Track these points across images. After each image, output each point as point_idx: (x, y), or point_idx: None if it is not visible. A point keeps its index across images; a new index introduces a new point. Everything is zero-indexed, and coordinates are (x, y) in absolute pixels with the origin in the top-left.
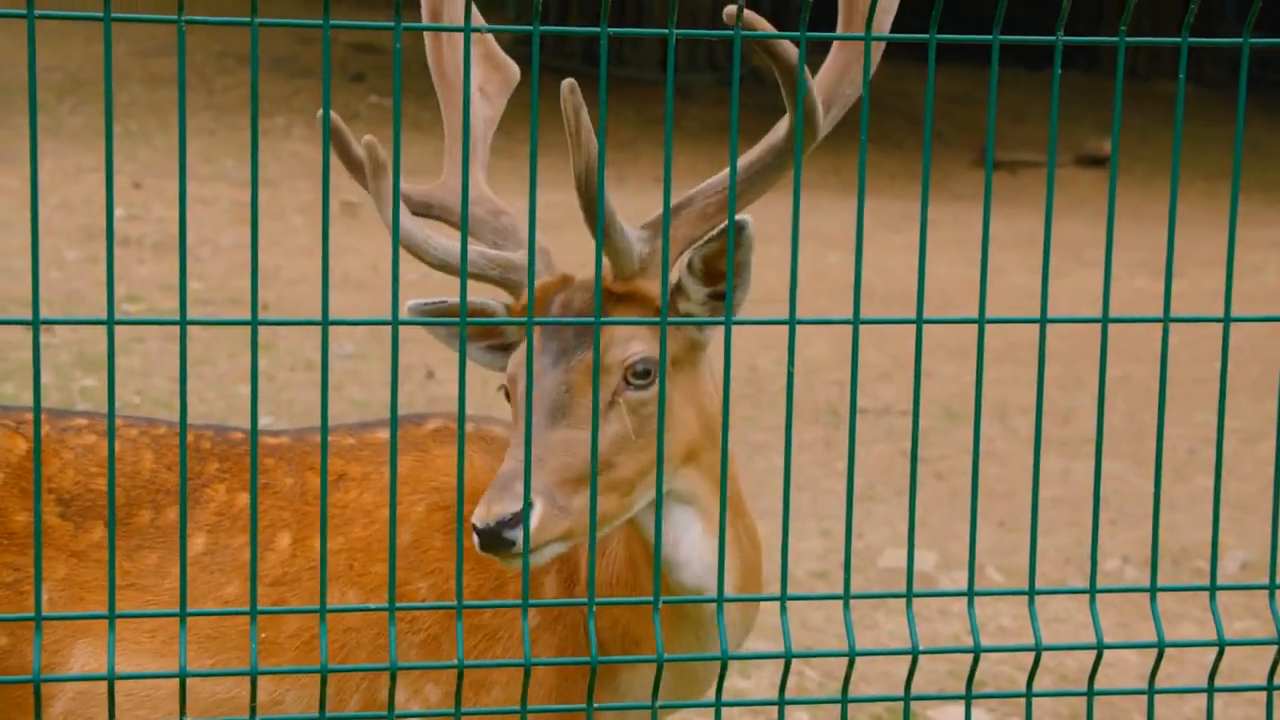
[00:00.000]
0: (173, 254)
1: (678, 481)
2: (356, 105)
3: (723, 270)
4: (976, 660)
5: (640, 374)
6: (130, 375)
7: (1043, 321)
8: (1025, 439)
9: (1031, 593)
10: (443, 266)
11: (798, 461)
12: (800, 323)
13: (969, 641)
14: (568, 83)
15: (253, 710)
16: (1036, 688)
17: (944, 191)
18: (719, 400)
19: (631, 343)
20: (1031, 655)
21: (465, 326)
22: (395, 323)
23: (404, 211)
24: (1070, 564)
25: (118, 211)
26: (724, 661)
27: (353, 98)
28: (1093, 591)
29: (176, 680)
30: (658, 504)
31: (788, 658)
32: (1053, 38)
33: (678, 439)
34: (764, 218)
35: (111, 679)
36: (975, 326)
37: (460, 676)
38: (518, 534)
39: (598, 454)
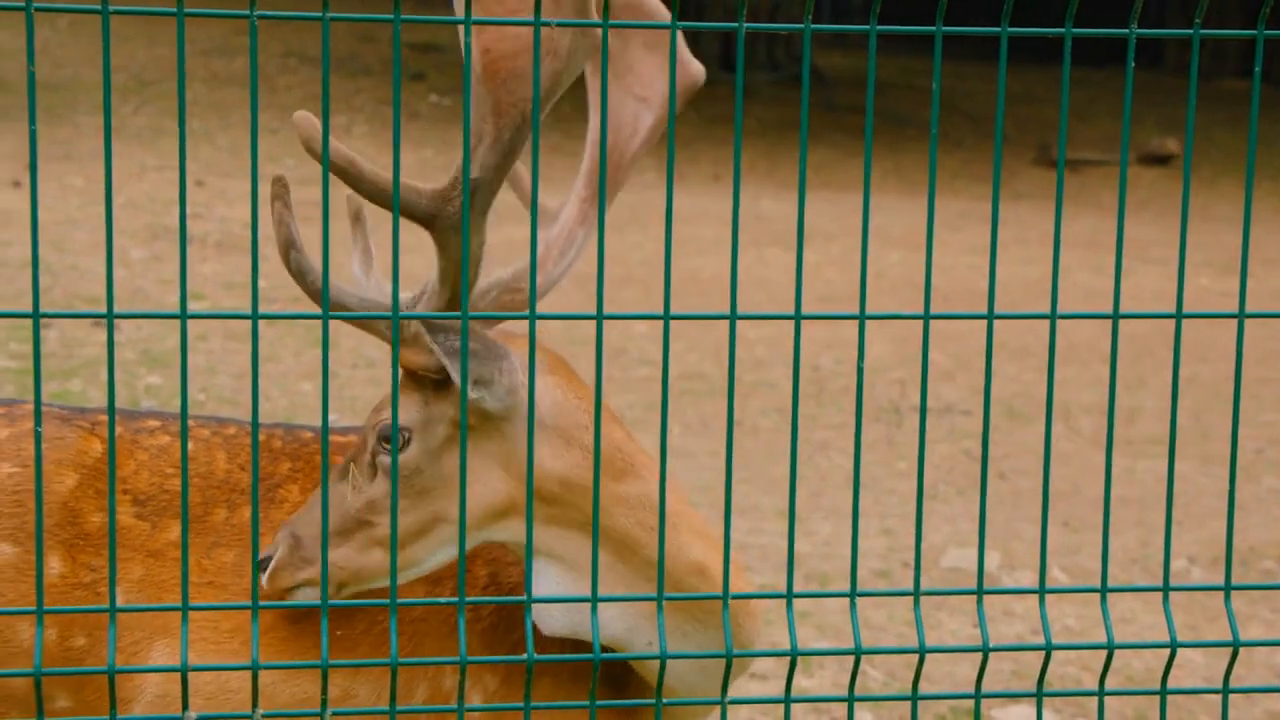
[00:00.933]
0: (235, 252)
1: (520, 537)
2: (417, 105)
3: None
4: (1048, 658)
5: (388, 439)
6: (195, 373)
7: (1115, 317)
8: (1088, 438)
9: (1104, 590)
10: (320, 301)
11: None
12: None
13: (1033, 642)
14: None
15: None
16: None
17: (1005, 190)
18: (566, 467)
19: (384, 410)
20: (1098, 656)
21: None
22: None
23: (311, 265)
24: (1135, 564)
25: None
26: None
27: (413, 97)
28: (1166, 589)
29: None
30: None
31: (857, 654)
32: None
33: (475, 500)
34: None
35: (185, 670)
36: (1036, 327)
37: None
38: (261, 577)
39: (395, 510)
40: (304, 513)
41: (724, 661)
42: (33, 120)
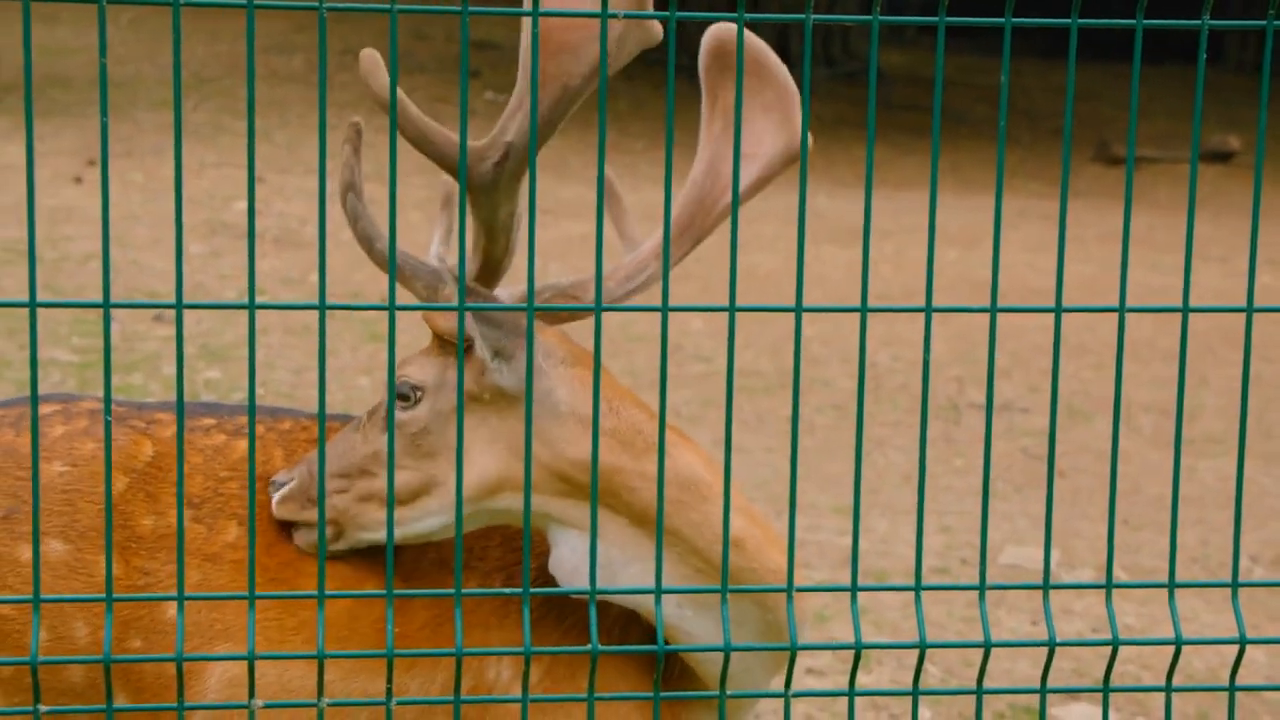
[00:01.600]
0: (292, 248)
1: (548, 510)
2: (472, 102)
3: None
4: (1114, 653)
5: (401, 396)
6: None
7: (1185, 310)
8: (1148, 437)
9: (1171, 585)
10: (380, 263)
11: (915, 457)
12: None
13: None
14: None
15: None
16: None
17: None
18: (586, 454)
19: (405, 367)
20: (1158, 655)
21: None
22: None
23: (365, 212)
24: (1196, 563)
25: (239, 205)
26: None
27: (468, 94)
28: (1235, 585)
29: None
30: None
31: (922, 648)
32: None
33: (471, 473)
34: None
35: (252, 659)
36: (1094, 325)
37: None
38: (274, 495)
39: (392, 459)
40: (328, 452)
41: (763, 644)
42: (104, 111)
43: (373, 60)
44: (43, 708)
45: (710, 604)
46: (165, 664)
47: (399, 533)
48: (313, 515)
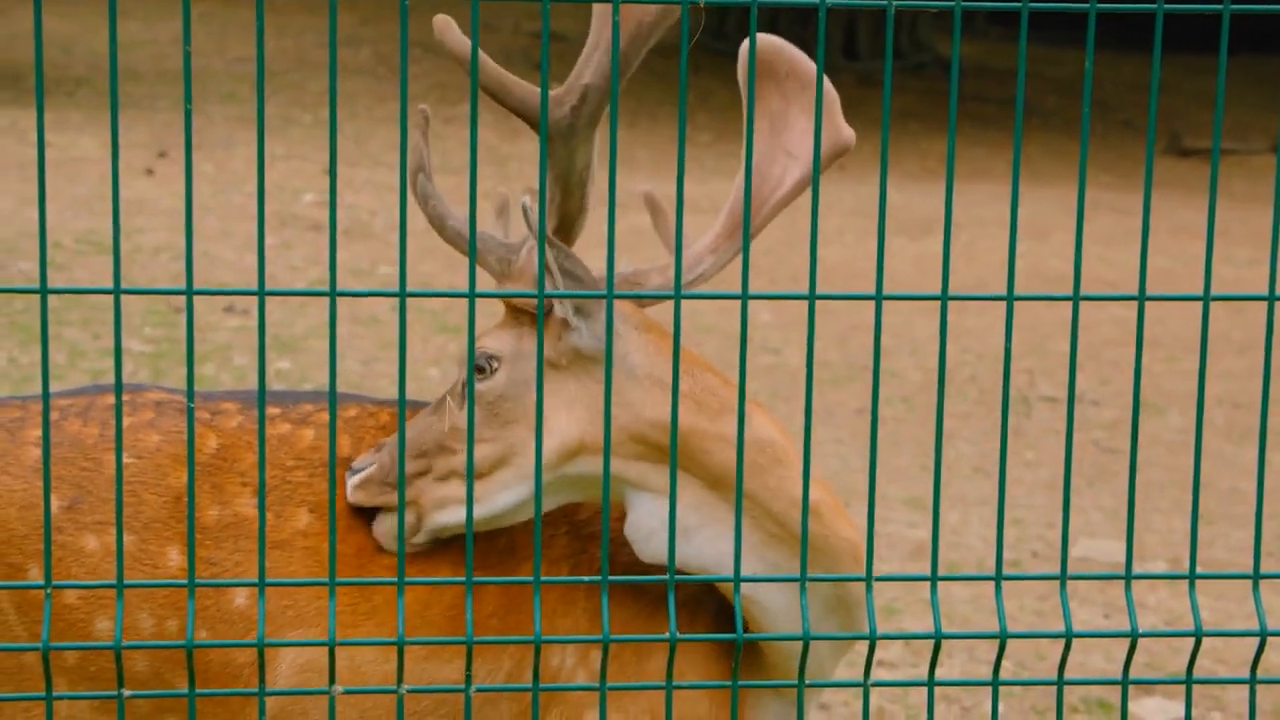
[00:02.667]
0: (361, 239)
1: (626, 473)
2: None
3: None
4: (1198, 644)
5: (477, 368)
6: (323, 358)
7: (1271, 299)
8: (1220, 429)
9: (1256, 576)
10: (453, 241)
11: (985, 449)
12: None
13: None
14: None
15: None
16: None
17: (1134, 180)
18: (662, 413)
19: (480, 339)
20: (1231, 649)
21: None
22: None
23: (435, 192)
24: (1271, 556)
25: (308, 198)
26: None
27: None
28: None
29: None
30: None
31: (1002, 638)
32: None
33: (551, 440)
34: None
35: (333, 645)
36: (1164, 317)
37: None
38: (351, 479)
39: (472, 440)
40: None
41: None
42: (188, 98)
43: (445, 22)
44: (126, 691)
45: (780, 567)
46: (232, 654)
47: (478, 511)
48: (391, 499)
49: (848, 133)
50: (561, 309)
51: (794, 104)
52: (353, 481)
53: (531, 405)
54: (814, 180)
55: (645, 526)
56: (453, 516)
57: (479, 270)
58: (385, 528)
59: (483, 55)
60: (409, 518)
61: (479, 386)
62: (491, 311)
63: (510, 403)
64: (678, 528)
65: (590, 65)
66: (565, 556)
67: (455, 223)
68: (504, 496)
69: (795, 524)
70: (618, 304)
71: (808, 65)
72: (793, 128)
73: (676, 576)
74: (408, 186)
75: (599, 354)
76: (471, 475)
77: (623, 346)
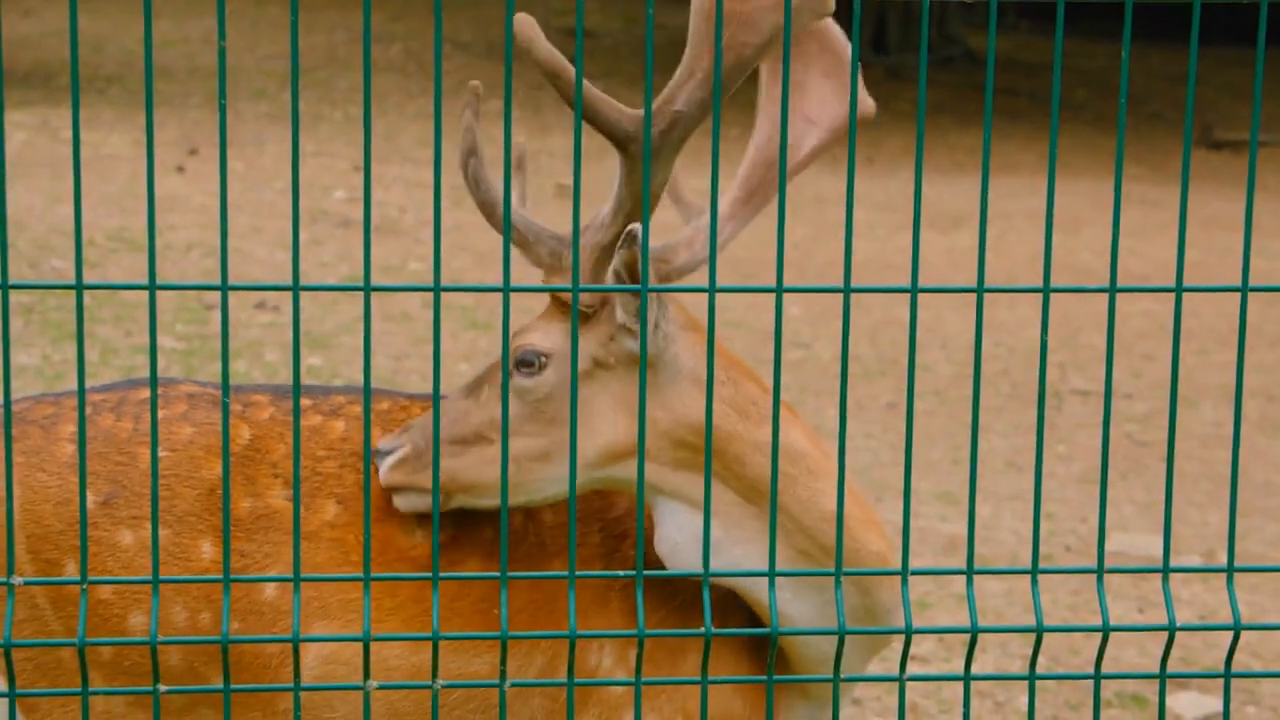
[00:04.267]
0: (390, 235)
1: (651, 477)
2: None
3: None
4: (1236, 638)
5: (525, 363)
6: (354, 354)
7: None
8: (1254, 422)
9: None
10: (488, 213)
11: (1017, 443)
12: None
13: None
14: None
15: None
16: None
17: (1164, 172)
18: (702, 413)
19: (529, 334)
20: (1265, 644)
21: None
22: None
23: (487, 176)
24: None
25: (338, 194)
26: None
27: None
28: None
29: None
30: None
31: (1039, 631)
32: None
33: (596, 440)
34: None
35: (367, 640)
36: (1198, 309)
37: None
38: (381, 463)
39: (506, 426)
40: (442, 419)
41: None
42: (222, 94)
43: (528, 24)
44: (162, 687)
45: (809, 586)
46: (262, 645)
47: (514, 500)
48: (424, 480)
49: (869, 102)
50: (624, 314)
51: (813, 68)
52: (386, 463)
53: (581, 407)
54: (849, 176)
55: (672, 540)
56: (482, 500)
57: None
58: (408, 502)
59: (572, 69)
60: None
61: (525, 382)
62: (525, 308)
63: (556, 402)
64: (714, 541)
65: (684, 93)
66: (598, 555)
67: (513, 217)
68: (541, 491)
69: (825, 538)
70: (669, 303)
71: (826, 27)
72: (811, 93)
73: (711, 573)
74: (462, 168)
75: (653, 358)
76: (506, 471)
77: (673, 348)
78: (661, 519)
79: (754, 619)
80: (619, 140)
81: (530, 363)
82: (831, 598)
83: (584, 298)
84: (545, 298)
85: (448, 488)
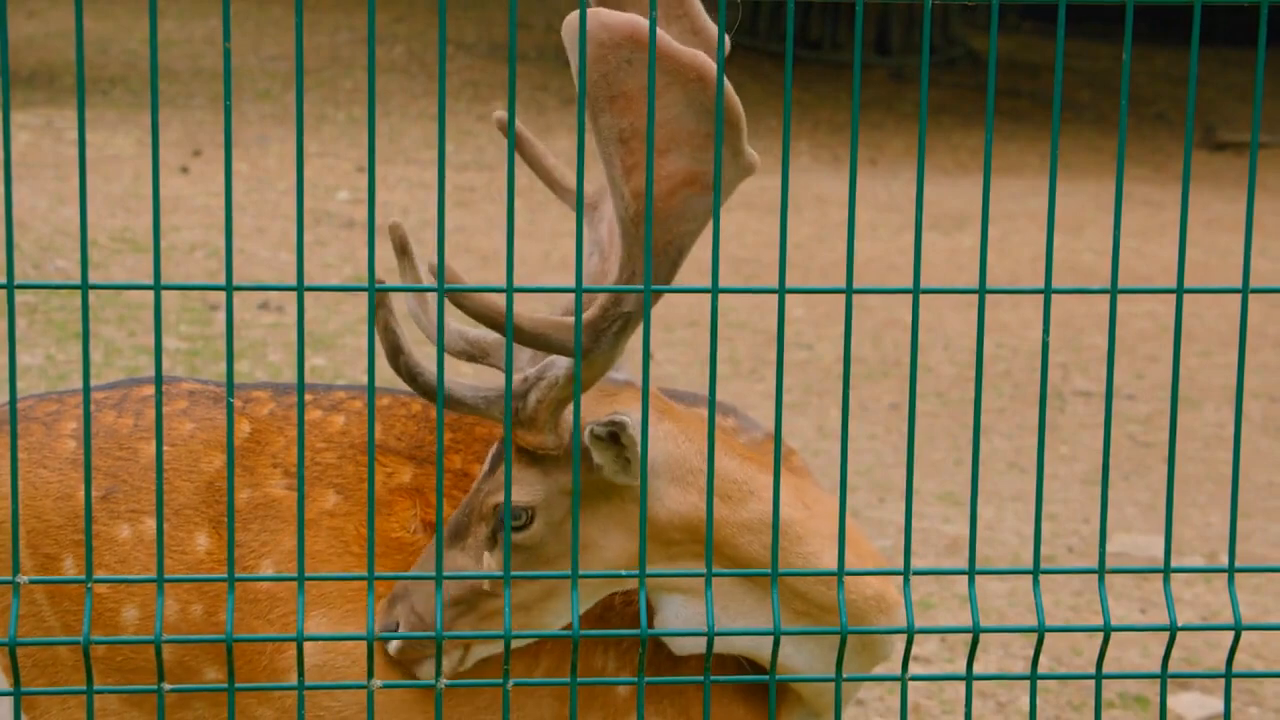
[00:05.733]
0: None
1: (660, 580)
2: (569, 91)
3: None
4: (1237, 637)
5: (514, 520)
6: (357, 355)
7: None
8: (1257, 423)
9: None
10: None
11: (1020, 445)
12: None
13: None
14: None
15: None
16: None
17: (1167, 173)
18: (686, 511)
19: (498, 492)
20: (1268, 644)
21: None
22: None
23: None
24: None
25: (341, 195)
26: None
27: (566, 84)
28: None
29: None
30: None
31: (1041, 631)
32: None
33: (600, 564)
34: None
35: (371, 639)
36: (1200, 310)
37: (507, 646)
38: (392, 645)
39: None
40: (421, 586)
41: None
42: (228, 94)
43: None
44: (167, 686)
45: (809, 639)
46: (251, 626)
47: (538, 632)
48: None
49: (751, 160)
50: (600, 458)
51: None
52: (392, 647)
53: (570, 540)
54: (851, 176)
55: (673, 626)
56: (499, 648)
57: (517, 262)
58: (426, 670)
59: (502, 313)
60: (454, 656)
61: (516, 539)
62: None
63: (550, 544)
64: (703, 626)
65: (633, 297)
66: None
67: (453, 388)
68: (557, 623)
69: (822, 598)
70: (626, 415)
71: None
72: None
73: (714, 572)
74: (392, 367)
75: (619, 480)
76: (510, 470)
77: (624, 475)
78: (659, 607)
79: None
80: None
81: (517, 520)
82: (830, 645)
83: (547, 442)
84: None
85: (464, 643)
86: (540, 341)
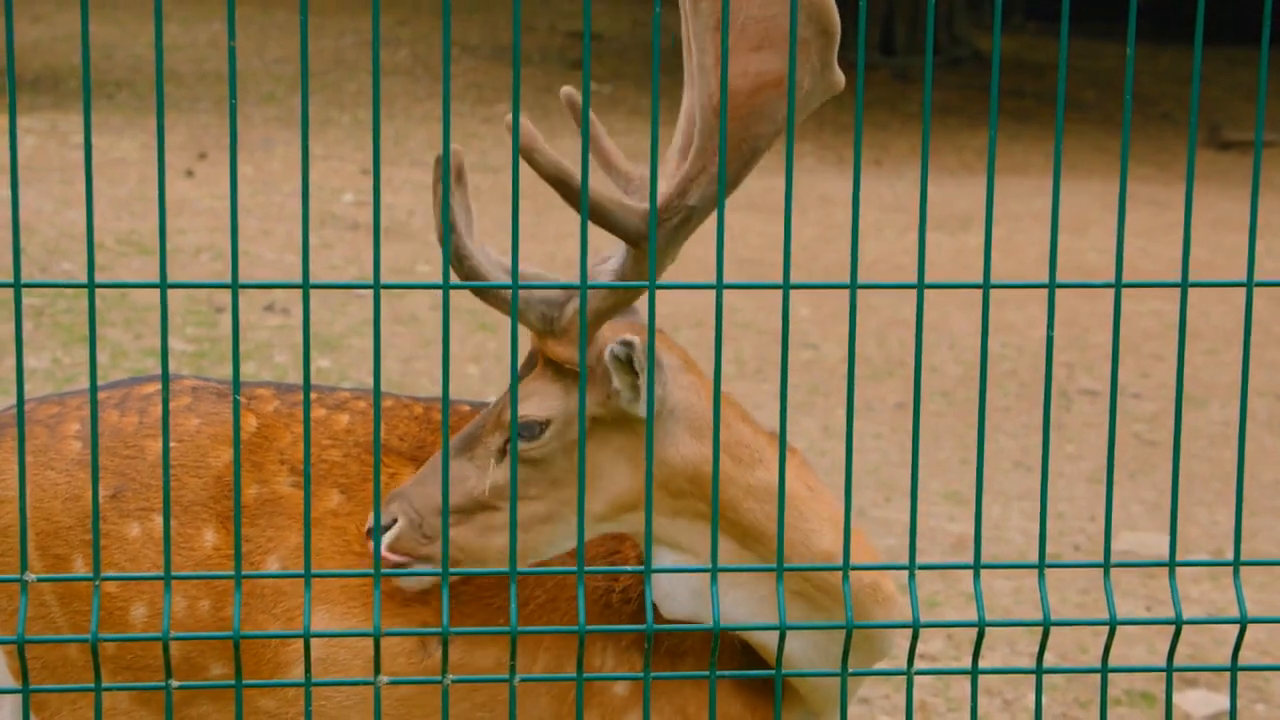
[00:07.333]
0: (401, 239)
1: (660, 532)
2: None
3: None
4: (1243, 630)
5: (525, 432)
6: (363, 356)
7: None
8: (1263, 421)
9: None
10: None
11: (1026, 444)
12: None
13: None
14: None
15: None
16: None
17: (1173, 173)
18: (697, 461)
19: (525, 401)
20: (1274, 641)
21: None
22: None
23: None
24: None
25: (346, 197)
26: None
27: (572, 84)
28: None
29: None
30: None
31: (1046, 625)
32: None
33: (604, 494)
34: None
35: (378, 635)
36: (1206, 309)
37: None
38: (387, 537)
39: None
40: (419, 485)
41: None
42: (233, 94)
43: (531, 136)
44: (174, 682)
45: (812, 621)
46: (263, 627)
47: (529, 562)
48: (428, 550)
49: (838, 77)
50: (620, 383)
51: None
52: (385, 541)
53: (595, 462)
54: (855, 172)
55: (664, 589)
56: (492, 566)
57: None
58: (416, 583)
59: (549, 157)
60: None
61: (528, 448)
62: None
63: (559, 464)
64: (704, 590)
65: (697, 188)
66: (599, 556)
67: (499, 276)
68: (551, 550)
69: (818, 578)
70: (664, 352)
71: None
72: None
73: (720, 568)
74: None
75: (634, 410)
76: (515, 473)
77: (670, 397)
78: (656, 562)
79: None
80: (631, 239)
81: (530, 431)
82: (828, 634)
83: (576, 356)
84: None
85: (454, 557)
86: (603, 216)
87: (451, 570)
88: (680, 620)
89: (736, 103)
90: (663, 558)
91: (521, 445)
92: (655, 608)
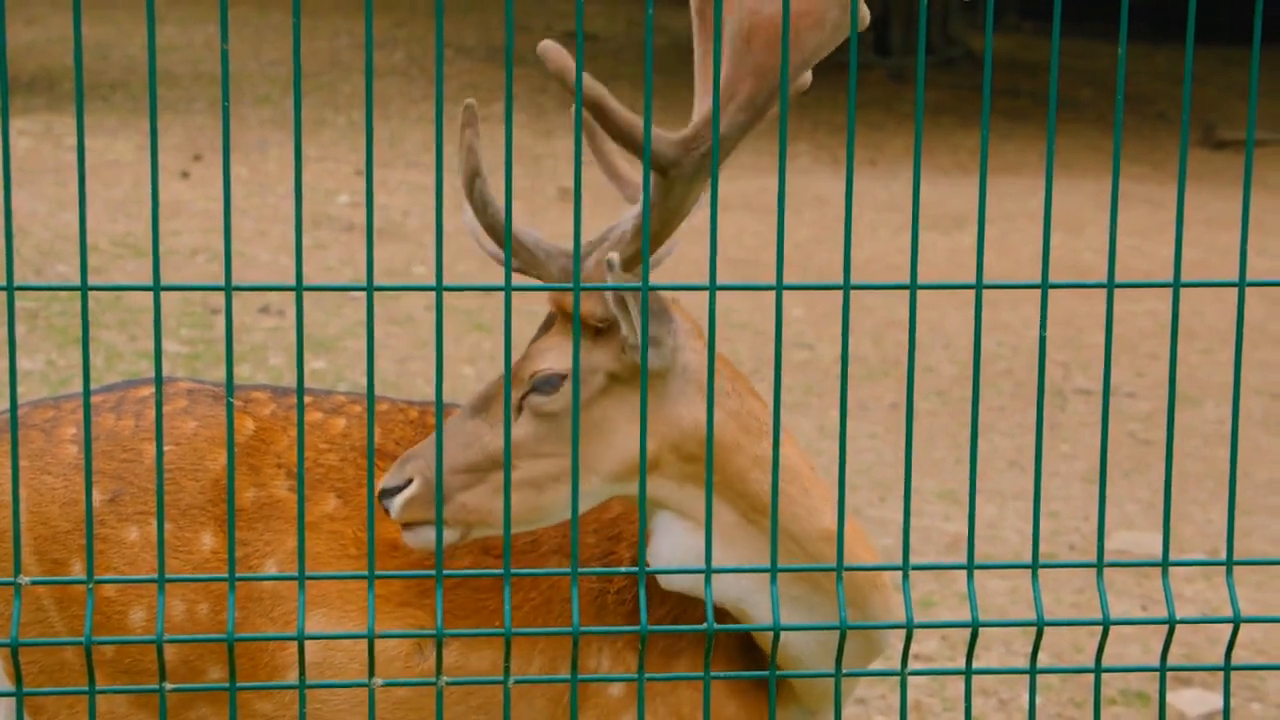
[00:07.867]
0: (396, 240)
1: (657, 492)
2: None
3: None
4: (1236, 629)
5: (541, 385)
6: (358, 358)
7: None
8: (1257, 420)
9: None
10: (496, 235)
11: (1020, 443)
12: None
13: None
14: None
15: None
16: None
17: (1168, 172)
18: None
19: (543, 357)
20: (1270, 641)
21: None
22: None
23: (493, 197)
24: None
25: (341, 199)
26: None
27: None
28: None
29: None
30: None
31: (1040, 626)
32: None
33: (615, 453)
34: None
35: (372, 637)
36: (1201, 308)
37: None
38: (391, 504)
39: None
40: (446, 446)
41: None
42: (225, 96)
43: (558, 54)
44: (168, 685)
45: (803, 610)
46: (261, 629)
47: (540, 524)
48: (446, 513)
49: (864, 11)
50: (629, 331)
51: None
52: (396, 502)
53: (597, 421)
54: (848, 170)
55: (664, 557)
56: (497, 530)
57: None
58: (422, 539)
59: (607, 95)
60: (454, 532)
61: (546, 401)
62: (527, 310)
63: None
64: (702, 559)
65: (725, 116)
66: (594, 557)
67: (517, 234)
68: (562, 513)
69: (821, 556)
70: (676, 314)
71: None
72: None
73: (714, 569)
74: (466, 191)
75: (663, 369)
76: (508, 472)
77: (681, 358)
78: (659, 535)
79: (746, 639)
80: (660, 166)
81: (550, 385)
82: (829, 610)
83: (598, 313)
84: (545, 300)
85: (466, 519)
86: (634, 141)
87: (445, 573)
88: (679, 592)
89: (763, 30)
90: (670, 524)
91: (539, 399)
92: (655, 581)
